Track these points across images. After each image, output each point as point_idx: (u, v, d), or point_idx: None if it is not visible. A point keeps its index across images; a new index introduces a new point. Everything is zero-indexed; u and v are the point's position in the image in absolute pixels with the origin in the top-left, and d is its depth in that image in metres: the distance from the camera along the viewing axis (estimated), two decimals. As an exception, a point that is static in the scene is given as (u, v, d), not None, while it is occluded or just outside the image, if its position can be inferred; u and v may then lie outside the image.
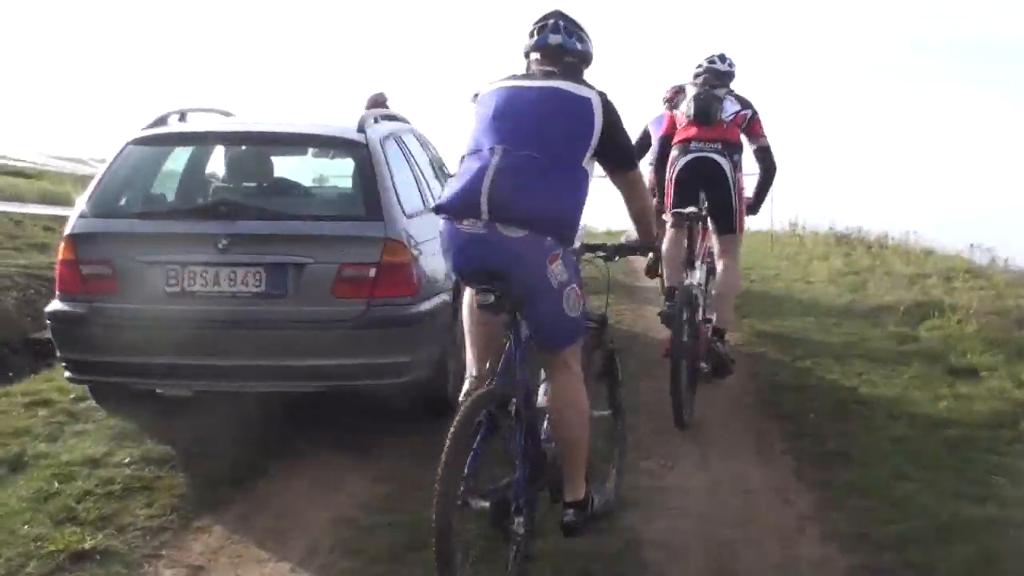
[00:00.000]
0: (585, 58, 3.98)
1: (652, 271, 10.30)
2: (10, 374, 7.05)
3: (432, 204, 6.30)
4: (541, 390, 3.89)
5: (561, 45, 3.90)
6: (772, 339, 8.24)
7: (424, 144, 7.33)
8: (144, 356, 5.20)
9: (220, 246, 5.14)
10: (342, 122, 6.10)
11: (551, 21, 3.93)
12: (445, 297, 5.72)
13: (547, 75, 3.85)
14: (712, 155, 6.41)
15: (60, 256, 5.40)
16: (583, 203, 3.74)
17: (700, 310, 6.35)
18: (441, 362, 5.67)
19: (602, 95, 3.78)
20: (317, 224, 5.50)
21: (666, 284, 6.74)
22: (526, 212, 3.55)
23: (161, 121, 5.99)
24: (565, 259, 3.63)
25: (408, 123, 7.29)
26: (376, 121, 6.18)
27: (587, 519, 3.83)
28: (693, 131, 6.48)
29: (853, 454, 5.30)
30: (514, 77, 3.90)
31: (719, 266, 6.69)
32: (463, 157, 3.73)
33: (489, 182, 3.55)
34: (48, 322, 5.46)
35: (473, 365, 3.86)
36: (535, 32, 3.95)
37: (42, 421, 5.66)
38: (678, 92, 9.02)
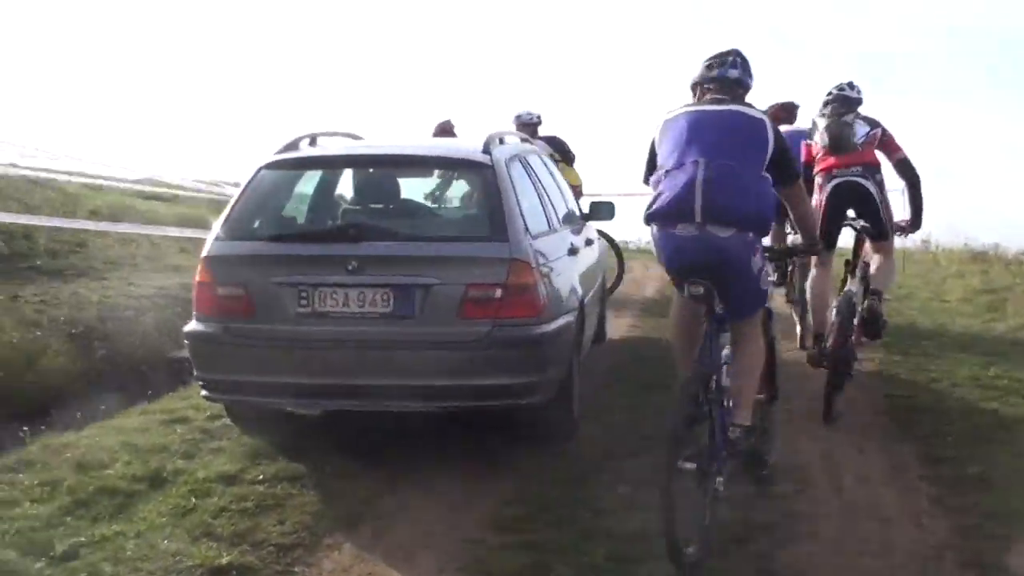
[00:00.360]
0: (749, 90, 4.62)
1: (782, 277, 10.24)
2: (149, 392, 7.29)
3: (556, 224, 6.36)
4: (723, 371, 4.43)
5: (739, 79, 4.57)
6: (906, 359, 7.98)
7: (548, 165, 7.34)
8: (276, 376, 5.30)
9: (350, 268, 5.23)
10: (467, 143, 6.15)
11: (730, 58, 4.57)
12: (570, 317, 5.70)
13: (720, 102, 4.48)
14: (855, 179, 6.62)
15: (197, 278, 5.52)
16: (774, 205, 4.39)
17: (856, 318, 6.48)
18: (567, 383, 5.66)
19: (768, 117, 4.46)
20: (444, 245, 5.54)
21: (813, 329, 6.82)
22: (733, 213, 4.21)
23: (293, 146, 6.12)
24: (760, 251, 4.37)
25: (533, 144, 7.31)
26: (501, 142, 6.22)
27: (750, 449, 4.46)
28: (832, 160, 6.70)
29: (994, 479, 5.09)
30: (692, 104, 4.56)
31: (875, 261, 6.80)
32: (666, 171, 4.32)
33: (700, 190, 4.17)
34: (185, 341, 5.60)
35: (685, 352, 4.52)
36: (714, 65, 4.57)
37: (179, 438, 5.83)
38: (780, 110, 8.93)
